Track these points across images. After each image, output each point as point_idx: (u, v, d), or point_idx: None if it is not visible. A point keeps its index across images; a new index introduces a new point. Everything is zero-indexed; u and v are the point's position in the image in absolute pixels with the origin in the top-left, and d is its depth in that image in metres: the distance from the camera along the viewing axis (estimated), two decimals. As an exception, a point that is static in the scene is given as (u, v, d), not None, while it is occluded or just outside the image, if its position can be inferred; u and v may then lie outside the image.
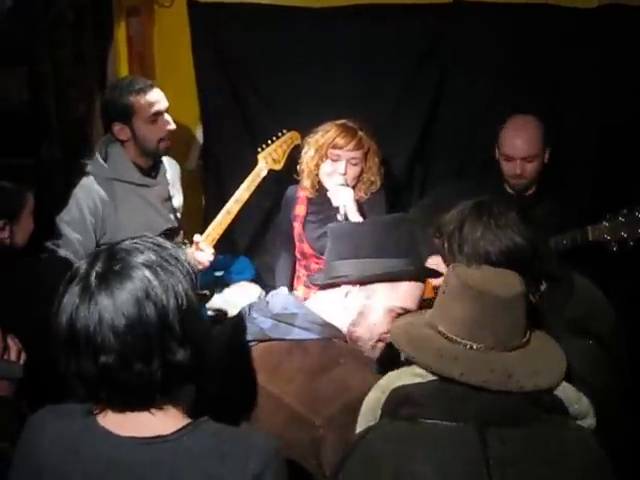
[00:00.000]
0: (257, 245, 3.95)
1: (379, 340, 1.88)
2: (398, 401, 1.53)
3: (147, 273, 1.32)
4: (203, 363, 1.40)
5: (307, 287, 3.28)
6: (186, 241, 3.22)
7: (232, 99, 3.87)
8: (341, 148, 2.97)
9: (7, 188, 2.60)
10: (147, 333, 1.30)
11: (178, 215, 3.29)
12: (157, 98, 2.96)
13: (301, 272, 3.32)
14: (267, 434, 1.49)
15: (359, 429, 1.60)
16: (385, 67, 3.76)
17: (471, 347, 1.54)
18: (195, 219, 3.81)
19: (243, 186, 3.13)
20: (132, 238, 1.41)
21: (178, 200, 3.30)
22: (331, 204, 2.95)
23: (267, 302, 1.92)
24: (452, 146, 3.84)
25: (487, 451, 1.42)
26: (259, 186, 3.18)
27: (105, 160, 2.98)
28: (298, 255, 3.28)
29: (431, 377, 1.53)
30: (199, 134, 3.96)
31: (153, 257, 1.35)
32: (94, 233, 2.93)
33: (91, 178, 2.95)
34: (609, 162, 3.62)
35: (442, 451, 1.43)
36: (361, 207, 3.03)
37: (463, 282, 1.57)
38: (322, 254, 3.13)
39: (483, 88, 3.71)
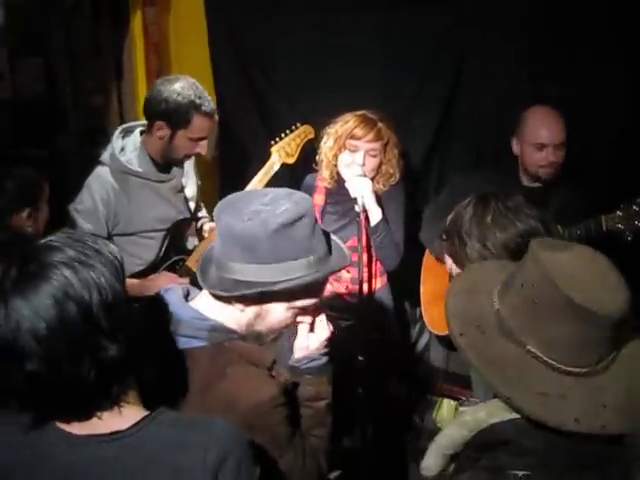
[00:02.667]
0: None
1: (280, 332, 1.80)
2: (488, 445, 1.36)
3: (64, 271, 1.25)
4: (138, 353, 1.35)
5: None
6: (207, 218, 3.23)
7: (248, 88, 3.85)
8: (360, 139, 2.94)
9: (29, 176, 2.61)
10: (71, 333, 1.24)
11: (191, 205, 3.28)
12: (212, 126, 2.96)
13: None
14: (226, 421, 1.42)
15: (433, 458, 1.46)
16: (402, 55, 3.71)
17: (576, 374, 1.32)
18: (211, 209, 3.79)
19: (255, 179, 3.12)
20: (49, 235, 1.33)
21: (191, 190, 3.28)
22: (349, 195, 2.92)
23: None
24: (470, 136, 3.80)
25: None
26: (272, 179, 3.15)
27: (121, 151, 2.96)
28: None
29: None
30: (215, 124, 3.93)
31: (71, 253, 1.28)
32: (106, 224, 2.92)
33: (106, 169, 2.94)
34: (628, 150, 3.56)
35: None
36: (379, 199, 3.00)
37: (567, 297, 1.29)
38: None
39: (502, 76, 3.65)
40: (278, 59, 3.78)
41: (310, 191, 3.19)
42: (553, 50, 3.59)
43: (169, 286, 1.84)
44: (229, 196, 1.76)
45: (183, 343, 1.70)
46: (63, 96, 3.78)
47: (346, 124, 2.96)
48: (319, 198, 3.17)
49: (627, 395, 1.32)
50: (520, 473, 1.29)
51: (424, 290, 3.26)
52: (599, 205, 2.80)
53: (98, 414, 1.32)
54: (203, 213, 3.41)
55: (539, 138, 2.99)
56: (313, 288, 1.74)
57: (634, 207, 2.62)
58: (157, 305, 1.75)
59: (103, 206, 2.91)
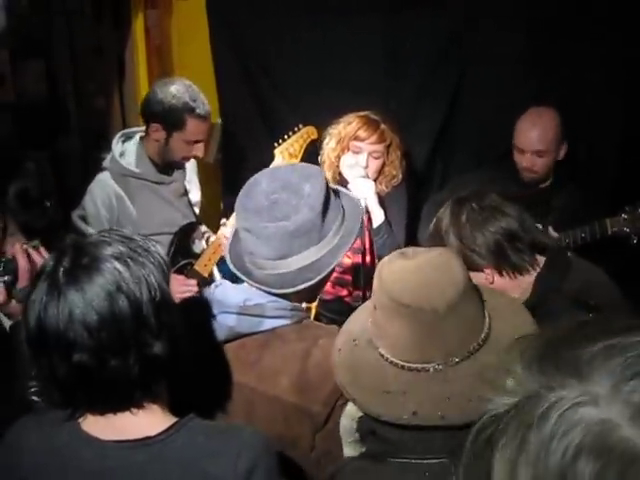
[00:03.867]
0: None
1: None
2: (366, 433, 1.45)
3: (117, 265, 1.27)
4: (178, 356, 1.35)
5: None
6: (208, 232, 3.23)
7: (251, 91, 3.85)
8: (363, 140, 2.93)
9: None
10: (121, 327, 1.25)
11: (196, 210, 3.28)
12: (207, 129, 2.95)
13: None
14: (255, 429, 1.45)
15: (346, 449, 1.54)
16: (405, 58, 3.72)
17: (421, 369, 1.38)
18: (214, 212, 3.79)
19: None
20: (100, 231, 1.37)
21: (195, 195, 3.29)
22: (352, 197, 2.92)
23: (213, 296, 1.81)
24: (473, 138, 3.80)
25: None
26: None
27: (121, 155, 2.96)
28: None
29: None
30: (218, 127, 3.94)
31: (122, 249, 1.30)
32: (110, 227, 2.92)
33: (107, 173, 2.94)
34: (632, 153, 3.56)
35: None
36: (382, 200, 3.00)
37: (392, 298, 1.39)
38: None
39: (504, 80, 3.66)
40: (280, 62, 3.78)
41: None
42: (554, 53, 3.59)
43: (218, 281, 1.94)
44: (243, 208, 1.74)
45: (271, 323, 1.75)
46: (65, 99, 3.77)
47: (349, 125, 2.96)
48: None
49: (474, 386, 1.31)
50: (398, 460, 1.36)
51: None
52: (602, 208, 2.79)
53: (131, 416, 1.31)
54: (204, 228, 3.37)
55: (519, 142, 3.00)
56: None
57: (639, 210, 2.61)
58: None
59: (106, 211, 2.91)
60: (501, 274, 2.06)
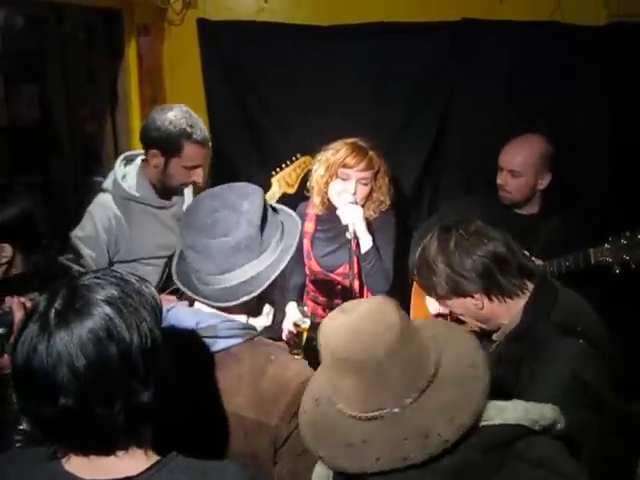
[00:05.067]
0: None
1: None
2: None
3: (108, 310, 1.26)
4: (166, 401, 1.34)
5: (315, 302, 3.29)
6: None
7: (242, 117, 3.89)
8: (351, 168, 2.97)
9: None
10: (109, 374, 1.24)
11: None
12: (206, 155, 2.95)
13: (309, 288, 3.32)
14: (239, 463, 1.45)
15: None
16: (394, 84, 3.77)
17: (377, 417, 1.40)
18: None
19: None
20: (94, 272, 1.35)
21: None
22: (340, 222, 2.95)
23: (166, 319, 1.80)
24: (460, 163, 3.85)
25: None
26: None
27: (123, 178, 2.98)
28: (307, 271, 3.29)
29: None
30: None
31: (115, 293, 1.28)
32: (107, 250, 2.93)
33: (108, 196, 2.95)
34: (619, 182, 3.61)
35: None
36: (370, 226, 3.03)
37: (334, 355, 1.41)
38: (329, 271, 3.16)
39: (491, 106, 3.72)
40: (271, 87, 3.83)
41: (302, 219, 3.22)
42: (541, 80, 3.65)
43: (171, 305, 1.91)
44: (187, 227, 1.81)
45: (224, 343, 1.79)
46: (58, 123, 3.81)
47: (337, 153, 2.99)
48: (309, 225, 3.20)
49: (429, 424, 1.35)
50: None
51: (414, 316, 3.28)
52: (588, 237, 2.81)
53: (113, 457, 1.30)
54: None
55: (499, 159, 3.08)
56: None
57: (622, 240, 2.61)
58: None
59: (105, 233, 2.91)
60: (490, 299, 2.07)
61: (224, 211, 1.77)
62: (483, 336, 2.38)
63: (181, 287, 1.87)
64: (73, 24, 3.67)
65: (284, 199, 3.21)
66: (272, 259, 1.80)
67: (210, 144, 2.95)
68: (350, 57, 3.74)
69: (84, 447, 1.30)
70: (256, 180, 3.28)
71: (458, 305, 2.14)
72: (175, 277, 1.90)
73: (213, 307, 1.82)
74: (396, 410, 1.39)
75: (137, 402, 1.26)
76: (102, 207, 2.94)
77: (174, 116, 2.86)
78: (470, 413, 1.36)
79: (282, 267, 1.80)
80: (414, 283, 3.28)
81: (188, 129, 2.84)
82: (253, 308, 1.87)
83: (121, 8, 3.48)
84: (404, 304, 3.29)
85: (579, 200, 3.55)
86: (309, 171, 3.22)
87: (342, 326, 1.43)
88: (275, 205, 2.00)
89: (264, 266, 1.79)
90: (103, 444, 1.29)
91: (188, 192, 3.18)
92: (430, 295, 2.21)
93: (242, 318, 1.86)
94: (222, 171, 3.96)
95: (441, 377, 1.43)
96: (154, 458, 1.35)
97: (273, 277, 1.79)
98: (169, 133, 2.84)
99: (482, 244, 2.03)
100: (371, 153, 3.00)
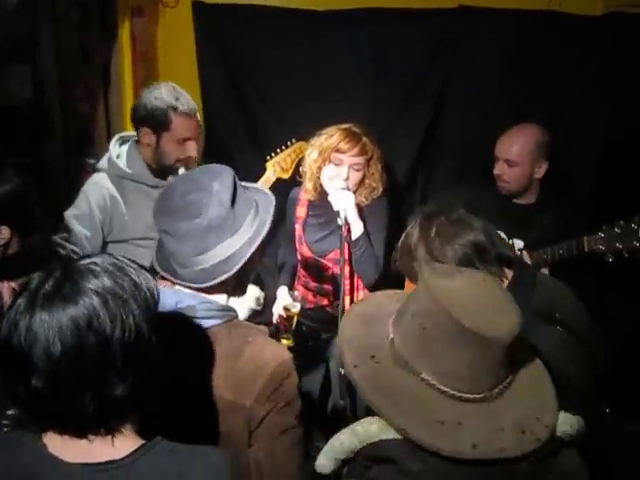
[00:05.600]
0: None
1: None
2: (376, 459, 1.35)
3: (95, 301, 1.25)
4: (148, 397, 1.33)
5: (306, 288, 3.28)
6: None
7: (236, 100, 3.87)
8: (344, 153, 2.96)
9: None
10: (83, 364, 1.24)
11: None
12: (195, 126, 2.96)
13: (301, 273, 3.32)
14: (223, 450, 1.45)
15: (325, 459, 1.44)
16: (389, 71, 3.75)
17: (472, 400, 1.32)
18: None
19: None
20: (94, 256, 1.34)
21: None
22: (331, 208, 2.94)
23: None
24: (454, 152, 3.84)
25: None
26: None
27: (118, 158, 2.98)
28: (299, 256, 3.29)
29: None
30: (201, 134, 3.94)
31: (108, 283, 1.28)
32: (101, 230, 2.94)
33: (102, 174, 2.96)
34: (614, 172, 3.60)
35: None
36: (362, 212, 3.03)
37: (458, 323, 1.29)
38: (320, 256, 3.16)
39: (487, 94, 3.71)
40: (265, 70, 3.80)
41: (294, 204, 3.22)
42: (536, 69, 3.64)
43: None
44: (160, 211, 1.84)
45: (203, 324, 1.80)
46: (50, 104, 3.77)
47: (331, 138, 2.98)
48: (301, 210, 3.20)
49: (523, 419, 1.31)
50: None
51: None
52: (584, 226, 2.82)
53: (91, 438, 1.30)
54: None
55: (495, 149, 3.09)
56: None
57: (616, 229, 2.62)
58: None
59: (99, 212, 2.92)
60: None
61: (195, 193, 1.78)
62: None
63: (162, 273, 1.88)
64: (66, 4, 3.63)
65: (278, 184, 3.21)
66: (246, 237, 1.81)
67: (198, 116, 2.97)
68: (346, 42, 3.71)
69: (60, 429, 1.30)
70: (250, 164, 3.31)
71: None
72: (156, 264, 1.91)
73: (193, 289, 1.83)
74: (494, 396, 1.33)
75: (111, 395, 1.26)
76: (97, 186, 2.95)
77: (159, 93, 2.91)
78: (554, 415, 1.33)
79: (257, 244, 1.81)
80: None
81: (174, 102, 2.87)
82: (233, 287, 1.88)
83: (115, -12, 3.45)
84: (393, 288, 3.29)
85: (576, 189, 3.55)
86: (304, 156, 3.22)
87: (463, 292, 1.35)
88: (249, 184, 2.00)
89: (239, 245, 1.79)
90: (77, 429, 1.29)
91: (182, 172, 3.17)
92: (413, 282, 2.20)
93: (222, 299, 1.87)
94: (215, 154, 3.95)
95: (521, 372, 1.39)
96: (139, 442, 1.34)
97: (248, 255, 1.80)
98: (156, 109, 2.88)
99: (463, 233, 2.04)
100: (365, 139, 2.99)
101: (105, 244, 2.96)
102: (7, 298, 1.81)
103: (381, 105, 3.77)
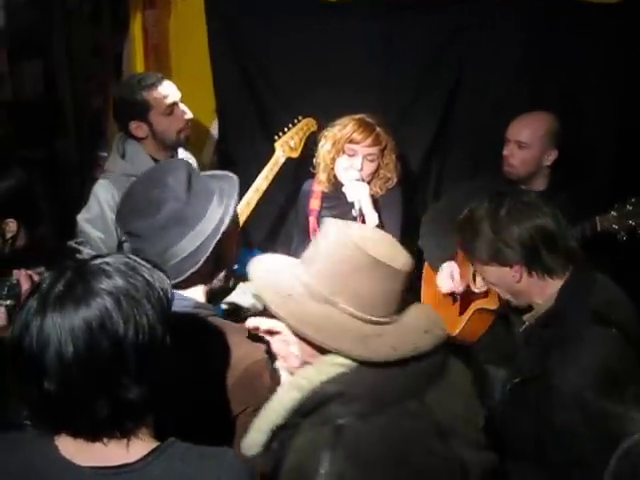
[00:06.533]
0: (271, 239, 3.93)
1: None
2: (320, 403, 1.43)
3: (107, 301, 1.22)
4: (162, 399, 1.31)
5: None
6: None
7: (248, 91, 3.84)
8: (358, 143, 2.95)
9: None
10: (96, 367, 1.21)
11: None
12: (170, 90, 2.96)
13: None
14: (233, 451, 1.43)
15: (257, 432, 1.49)
16: (401, 61, 3.72)
17: (384, 322, 1.50)
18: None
19: (262, 175, 3.13)
20: (106, 256, 1.31)
21: None
22: (346, 199, 2.93)
23: None
24: (468, 142, 3.80)
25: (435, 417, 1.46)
26: (276, 177, 3.16)
27: (123, 157, 2.97)
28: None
29: (350, 364, 1.44)
30: (214, 127, 3.94)
31: (120, 283, 1.25)
32: (115, 231, 2.91)
33: (110, 175, 2.95)
34: (628, 160, 3.57)
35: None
36: (376, 203, 3.01)
37: (368, 255, 1.46)
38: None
39: (500, 83, 3.67)
40: (278, 62, 3.78)
41: (307, 197, 3.21)
42: (550, 58, 3.60)
43: None
44: (121, 215, 1.86)
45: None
46: (62, 98, 3.78)
47: (344, 128, 2.97)
48: (315, 203, 3.19)
49: (423, 325, 1.55)
50: (347, 420, 1.38)
51: (424, 295, 3.26)
52: (594, 212, 2.80)
53: (105, 441, 1.28)
54: None
55: (506, 132, 3.09)
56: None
57: (628, 206, 2.61)
58: None
59: (111, 212, 2.89)
60: (530, 274, 2.06)
61: (152, 190, 1.79)
62: (511, 311, 2.37)
63: None
64: (78, -2, 3.65)
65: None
66: (211, 228, 1.79)
67: (168, 82, 2.99)
68: (358, 33, 3.67)
69: (73, 432, 1.27)
70: (263, 154, 3.30)
71: (494, 273, 2.12)
72: None
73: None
74: (399, 318, 1.54)
75: (125, 398, 1.23)
76: (106, 187, 2.93)
77: (121, 85, 3.04)
78: (443, 325, 1.60)
79: (222, 231, 1.79)
80: (425, 265, 3.26)
81: (138, 83, 2.92)
82: (210, 273, 1.86)
83: (126, -19, 3.44)
84: (413, 284, 3.28)
85: (586, 177, 3.52)
86: (312, 133, 3.20)
87: (377, 237, 1.55)
88: (216, 172, 2.01)
89: (204, 236, 1.78)
90: (90, 432, 1.27)
91: (187, 159, 3.16)
92: (469, 258, 2.20)
93: (198, 294, 1.85)
94: (228, 144, 3.95)
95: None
96: (153, 444, 1.32)
97: (212, 245, 1.78)
98: (128, 98, 2.92)
99: (533, 216, 2.02)
100: (378, 129, 2.98)
101: (120, 244, 2.95)
102: (27, 286, 1.81)
103: (393, 95, 3.73)
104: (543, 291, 2.08)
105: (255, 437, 1.49)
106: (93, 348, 1.20)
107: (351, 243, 1.47)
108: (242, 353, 1.74)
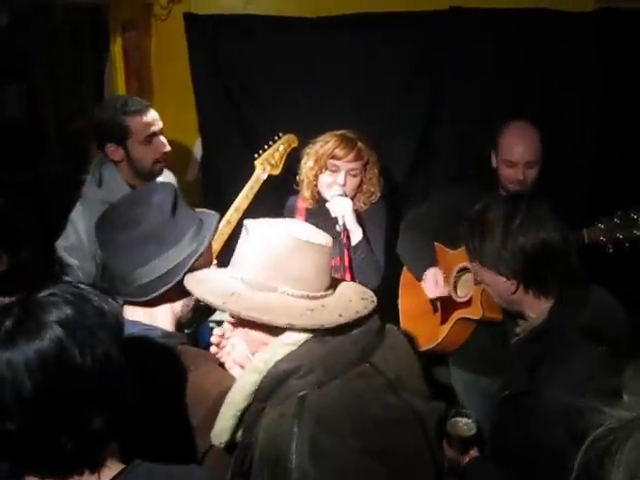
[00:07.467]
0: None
1: None
2: (279, 381, 1.52)
3: (59, 332, 1.18)
4: (125, 424, 1.28)
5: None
6: None
7: (230, 110, 3.87)
8: (340, 159, 2.95)
9: None
10: (56, 400, 1.17)
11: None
12: (153, 119, 2.93)
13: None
14: (202, 468, 1.43)
15: (223, 421, 1.57)
16: (382, 74, 3.76)
17: (321, 296, 1.60)
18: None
19: (242, 194, 3.12)
20: (53, 287, 1.27)
21: None
22: (330, 215, 2.94)
23: None
24: (452, 152, 3.83)
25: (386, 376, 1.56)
26: (259, 194, 3.17)
27: (99, 182, 2.95)
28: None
29: (300, 341, 1.54)
30: (198, 146, 3.95)
31: (70, 313, 1.21)
32: (93, 258, 2.87)
33: (87, 202, 2.92)
34: (607, 166, 3.61)
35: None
36: (360, 217, 3.02)
37: (296, 237, 1.57)
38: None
39: (480, 93, 3.70)
40: (260, 82, 3.80)
41: (292, 213, 3.21)
42: (534, 67, 3.64)
43: None
44: (99, 228, 1.86)
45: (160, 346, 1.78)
46: (45, 121, 3.79)
47: (326, 144, 2.97)
48: (300, 219, 3.19)
49: (357, 292, 1.70)
50: (307, 391, 1.48)
51: (402, 305, 3.27)
52: (579, 220, 2.81)
53: (74, 477, 1.24)
54: None
55: (510, 155, 2.96)
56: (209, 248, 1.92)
57: (615, 220, 2.60)
58: None
59: (88, 239, 2.88)
60: (526, 291, 2.05)
61: (136, 208, 1.79)
62: (508, 317, 2.38)
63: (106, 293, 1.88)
64: (59, 21, 3.65)
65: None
66: (189, 251, 1.80)
67: (153, 111, 2.94)
68: (338, 48, 3.71)
69: (39, 474, 1.23)
70: (248, 173, 3.30)
71: (491, 278, 2.11)
72: (98, 284, 1.90)
73: (137, 304, 1.82)
74: (332, 292, 1.65)
75: (90, 429, 1.20)
76: (82, 214, 2.90)
77: (106, 105, 2.97)
78: (373, 294, 1.72)
79: (195, 258, 1.80)
80: (403, 272, 3.28)
81: (122, 106, 2.88)
82: (179, 293, 1.84)
83: (106, 4, 3.45)
84: (395, 293, 3.29)
85: (568, 184, 3.54)
86: (293, 150, 3.20)
87: (294, 223, 1.69)
88: (199, 210, 2.00)
89: (181, 257, 1.79)
90: (58, 471, 1.23)
91: (166, 175, 3.15)
92: (470, 256, 2.17)
93: (167, 323, 1.85)
94: (211, 164, 3.96)
95: None
96: (118, 467, 1.30)
97: (189, 265, 1.78)
98: (109, 120, 2.88)
99: (542, 232, 2.00)
100: (360, 144, 2.98)
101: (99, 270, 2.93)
102: None
103: (375, 109, 3.77)
104: (537, 306, 2.07)
105: (222, 424, 1.58)
106: (51, 381, 1.17)
107: (275, 232, 1.58)
108: (212, 382, 1.73)
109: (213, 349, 1.85)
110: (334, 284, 1.69)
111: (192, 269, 1.80)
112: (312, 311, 1.55)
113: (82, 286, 1.30)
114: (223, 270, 1.69)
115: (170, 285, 1.77)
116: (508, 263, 2.01)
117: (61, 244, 2.90)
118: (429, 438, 1.58)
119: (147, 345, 1.75)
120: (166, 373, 1.73)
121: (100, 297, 1.29)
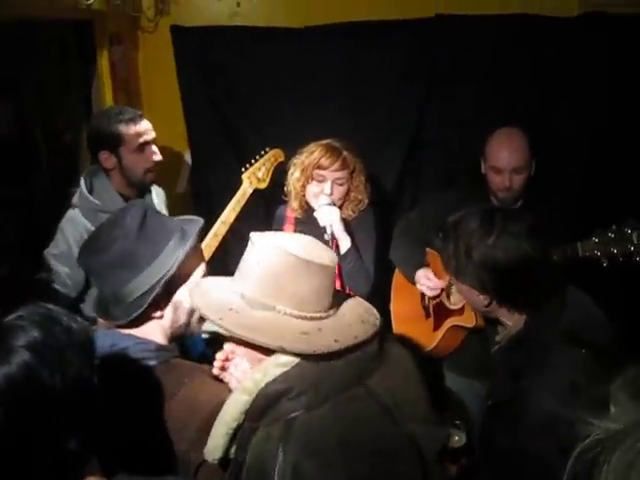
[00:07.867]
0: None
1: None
2: (270, 401, 1.50)
3: (27, 357, 1.15)
4: (107, 441, 1.27)
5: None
6: None
7: (219, 122, 3.88)
8: (326, 169, 2.96)
9: None
10: (29, 426, 1.14)
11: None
12: (146, 128, 2.96)
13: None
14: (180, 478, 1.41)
15: (216, 439, 1.56)
16: (370, 82, 3.77)
17: (319, 318, 1.56)
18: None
19: (229, 207, 3.14)
20: (19, 310, 1.22)
21: None
22: (318, 224, 2.94)
23: None
24: (440, 159, 3.84)
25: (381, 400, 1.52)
26: (247, 206, 3.17)
27: (90, 191, 2.97)
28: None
29: (293, 362, 1.52)
30: (187, 158, 3.96)
31: (38, 335, 1.17)
32: None
33: (77, 210, 2.93)
34: (597, 172, 3.61)
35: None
36: (349, 225, 3.02)
37: (298, 257, 1.54)
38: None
39: (468, 100, 3.72)
40: (248, 92, 3.82)
41: (281, 223, 3.21)
42: (521, 73, 3.65)
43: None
44: (80, 252, 1.88)
45: (140, 365, 1.77)
46: (34, 136, 3.79)
47: (312, 155, 2.98)
48: (289, 228, 3.19)
49: (359, 315, 1.64)
50: (297, 413, 1.46)
51: (394, 310, 3.27)
52: (572, 228, 2.80)
53: None
54: None
55: (496, 162, 2.95)
56: (196, 252, 1.89)
57: (609, 234, 2.58)
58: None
59: (78, 247, 2.89)
60: (500, 305, 2.04)
61: (112, 229, 1.80)
62: (488, 324, 2.36)
63: (97, 314, 1.88)
64: (45, 37, 3.65)
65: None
66: (165, 268, 1.78)
67: (147, 121, 2.98)
68: (325, 57, 3.74)
69: None
70: (237, 185, 3.31)
71: (465, 290, 2.10)
72: (94, 307, 1.91)
73: (125, 326, 1.81)
74: (333, 312, 1.61)
75: (66, 450, 1.18)
76: (72, 222, 2.92)
77: (99, 114, 3.02)
78: (375, 312, 1.69)
79: (174, 270, 1.78)
80: (394, 277, 3.27)
81: (116, 115, 2.91)
82: (168, 317, 1.84)
83: (92, 18, 3.45)
84: (386, 300, 3.28)
85: (561, 191, 3.54)
86: (279, 164, 3.21)
87: (300, 239, 1.63)
88: (181, 217, 1.98)
89: (161, 274, 1.77)
90: None
91: (159, 199, 3.17)
92: (444, 267, 2.16)
93: (158, 336, 1.84)
94: (200, 176, 3.96)
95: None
96: None
97: (164, 280, 1.77)
98: (103, 128, 2.91)
99: (519, 250, 1.94)
100: (345, 153, 2.99)
101: (88, 280, 2.93)
102: None
103: (364, 117, 3.78)
104: (512, 317, 2.07)
105: (214, 442, 1.56)
106: (22, 405, 1.14)
107: (278, 249, 1.54)
108: (206, 395, 1.72)
109: (216, 372, 1.80)
110: (338, 303, 1.65)
111: (182, 276, 1.80)
112: (307, 335, 1.51)
113: (50, 306, 1.27)
114: (228, 281, 1.66)
115: (145, 306, 1.76)
116: (481, 278, 1.99)
117: (50, 252, 2.91)
118: (427, 467, 1.52)
119: (136, 360, 1.75)
120: (155, 388, 1.72)
121: (69, 316, 1.26)
